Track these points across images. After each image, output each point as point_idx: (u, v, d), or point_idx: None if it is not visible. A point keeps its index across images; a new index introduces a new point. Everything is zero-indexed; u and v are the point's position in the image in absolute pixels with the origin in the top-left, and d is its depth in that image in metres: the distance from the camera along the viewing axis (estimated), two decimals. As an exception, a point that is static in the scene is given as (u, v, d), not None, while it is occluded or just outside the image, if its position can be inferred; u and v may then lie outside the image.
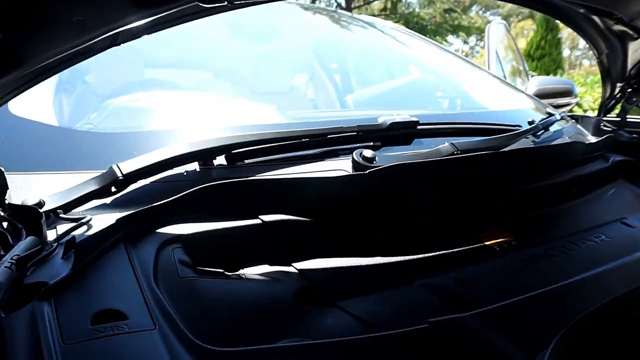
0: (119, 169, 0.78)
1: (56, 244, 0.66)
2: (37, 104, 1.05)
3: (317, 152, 0.99)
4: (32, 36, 0.60)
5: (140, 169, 0.81)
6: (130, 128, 1.10)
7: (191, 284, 0.65)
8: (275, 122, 1.24)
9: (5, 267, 0.57)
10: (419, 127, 1.09)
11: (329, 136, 1.00)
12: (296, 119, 1.37)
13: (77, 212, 0.76)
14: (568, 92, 2.14)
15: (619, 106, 1.63)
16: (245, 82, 1.60)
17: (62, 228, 0.71)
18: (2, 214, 0.71)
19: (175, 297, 0.62)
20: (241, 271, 0.74)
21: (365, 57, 2.09)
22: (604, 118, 1.65)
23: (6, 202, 0.72)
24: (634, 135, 1.56)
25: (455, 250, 0.87)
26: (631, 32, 1.37)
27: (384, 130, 1.03)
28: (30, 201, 0.71)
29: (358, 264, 0.79)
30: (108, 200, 0.80)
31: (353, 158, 0.93)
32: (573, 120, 1.72)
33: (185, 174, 0.87)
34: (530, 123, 1.29)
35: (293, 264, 0.76)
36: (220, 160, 0.92)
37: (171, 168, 0.85)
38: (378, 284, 0.77)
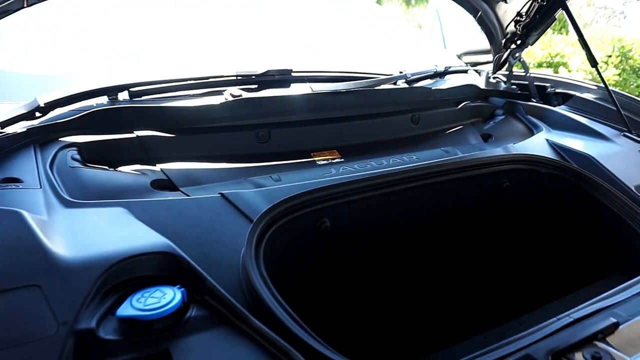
0: (41, 99, 1.10)
1: None
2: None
3: (200, 92, 1.30)
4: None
5: (58, 99, 1.13)
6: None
7: (75, 170, 0.98)
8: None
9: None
10: (292, 74, 1.38)
11: (213, 80, 1.31)
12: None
13: (9, 129, 1.09)
14: (487, 51, 2.39)
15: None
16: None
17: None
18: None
19: (61, 176, 0.95)
20: (118, 168, 1.07)
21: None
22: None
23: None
24: (512, 86, 1.84)
25: (290, 162, 1.19)
26: (495, -4, 1.63)
27: (258, 75, 1.33)
28: None
29: (204, 167, 1.12)
30: (36, 122, 1.13)
31: (224, 96, 1.24)
32: (477, 74, 1.99)
33: (95, 105, 1.19)
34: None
35: (156, 164, 1.08)
36: (124, 95, 1.23)
37: (85, 99, 1.17)
38: (220, 176, 1.09)
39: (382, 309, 1.10)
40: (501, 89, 1.81)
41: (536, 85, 1.84)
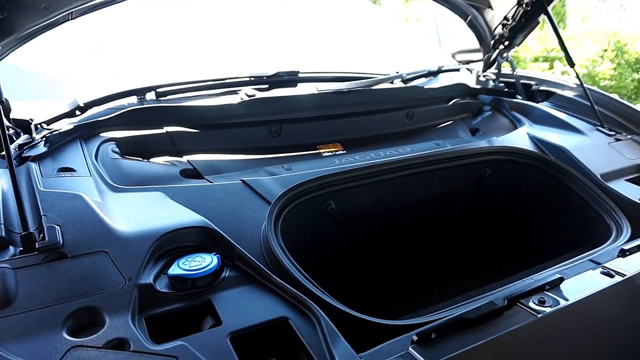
0: (80, 99, 1.27)
1: (40, 139, 1.15)
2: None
3: (221, 92, 1.46)
4: (18, 16, 1.07)
5: (95, 99, 1.29)
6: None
7: (116, 161, 1.15)
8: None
9: (14, 149, 1.08)
10: (299, 75, 1.54)
11: (230, 81, 1.47)
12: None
13: (54, 125, 1.25)
14: (479, 50, 2.55)
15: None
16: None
17: (45, 132, 1.20)
18: (9, 124, 1.20)
19: (105, 166, 1.11)
20: (151, 159, 1.23)
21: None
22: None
23: (11, 118, 1.21)
24: (500, 84, 2.00)
25: (299, 153, 1.36)
26: (482, 5, 1.78)
27: (269, 76, 1.50)
28: (26, 117, 1.21)
29: (224, 158, 1.29)
30: (76, 119, 1.29)
31: (239, 95, 1.40)
32: (468, 72, 2.15)
33: (126, 104, 1.35)
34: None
35: (183, 156, 1.25)
36: (151, 95, 1.40)
37: (118, 99, 1.33)
38: (238, 166, 1.26)
39: (379, 272, 1.27)
40: (490, 86, 1.97)
41: (522, 83, 2.00)
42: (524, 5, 1.76)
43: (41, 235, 0.80)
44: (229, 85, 1.46)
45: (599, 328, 0.78)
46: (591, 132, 1.57)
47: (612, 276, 0.81)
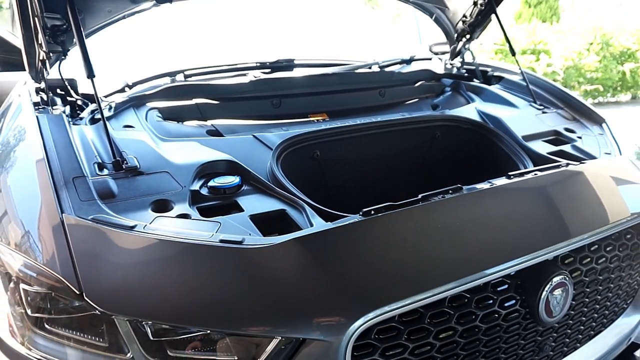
0: (129, 80, 1.70)
1: (105, 106, 1.58)
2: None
3: (234, 74, 1.89)
4: (90, 17, 1.50)
5: (140, 80, 1.73)
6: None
7: (160, 122, 1.57)
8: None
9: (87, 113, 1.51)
10: (295, 62, 1.97)
11: (241, 66, 1.91)
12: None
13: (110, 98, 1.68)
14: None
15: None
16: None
17: (104, 103, 1.63)
18: (78, 97, 1.62)
19: (152, 125, 1.53)
20: (184, 123, 1.66)
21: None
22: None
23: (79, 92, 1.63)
24: (462, 70, 2.42)
25: (294, 120, 1.79)
26: (439, 5, 2.21)
27: (271, 63, 1.93)
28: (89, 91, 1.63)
29: (238, 122, 1.72)
30: (125, 94, 1.71)
31: (248, 77, 1.84)
32: (439, 60, 2.58)
33: (162, 83, 1.78)
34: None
35: (209, 121, 1.68)
36: (180, 77, 1.83)
37: (156, 79, 1.76)
38: (248, 128, 1.69)
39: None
40: (453, 72, 2.40)
41: (480, 70, 2.42)
42: (478, 5, 2.18)
43: (124, 162, 1.23)
44: (240, 69, 1.90)
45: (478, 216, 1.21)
46: (525, 107, 2.00)
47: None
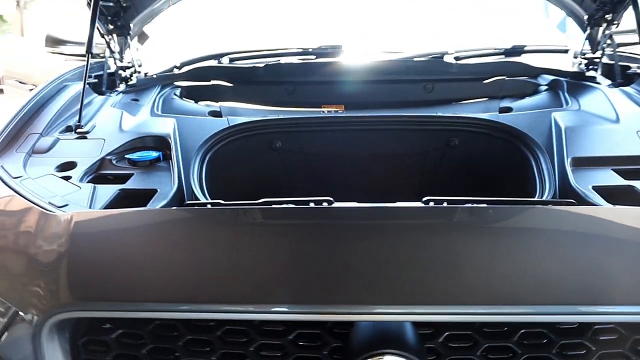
0: (178, 62, 1.88)
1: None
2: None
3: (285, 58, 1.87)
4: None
5: (187, 61, 1.89)
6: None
7: (172, 100, 1.68)
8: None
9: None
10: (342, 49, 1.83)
11: (291, 50, 1.88)
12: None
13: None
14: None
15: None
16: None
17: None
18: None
19: (164, 101, 1.65)
20: (198, 102, 1.75)
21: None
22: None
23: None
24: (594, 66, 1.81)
25: (305, 109, 1.67)
26: None
27: (318, 49, 1.84)
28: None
29: (247, 106, 1.70)
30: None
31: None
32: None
33: (206, 65, 1.90)
34: None
35: (219, 102, 1.72)
36: (226, 60, 1.91)
37: (198, 62, 1.89)
38: (256, 113, 1.65)
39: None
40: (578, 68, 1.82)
41: (620, 65, 1.75)
42: None
43: (80, 127, 1.37)
44: (286, 54, 1.87)
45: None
46: (635, 120, 1.35)
47: None
